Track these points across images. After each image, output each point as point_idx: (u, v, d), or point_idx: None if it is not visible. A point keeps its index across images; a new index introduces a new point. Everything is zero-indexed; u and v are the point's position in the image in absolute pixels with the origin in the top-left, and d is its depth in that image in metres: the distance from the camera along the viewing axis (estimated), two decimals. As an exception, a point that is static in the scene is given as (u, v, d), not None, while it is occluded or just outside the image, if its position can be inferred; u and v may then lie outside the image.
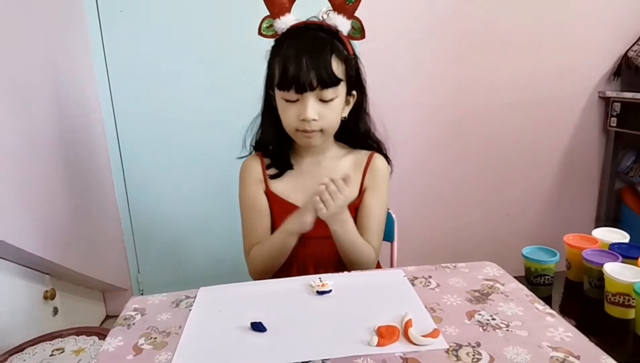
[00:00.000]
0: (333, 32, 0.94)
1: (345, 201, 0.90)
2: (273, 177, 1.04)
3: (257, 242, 1.04)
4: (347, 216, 0.96)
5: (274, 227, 1.05)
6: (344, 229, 0.95)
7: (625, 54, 1.98)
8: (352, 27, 0.93)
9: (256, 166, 1.05)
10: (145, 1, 1.75)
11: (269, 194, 1.04)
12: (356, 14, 0.95)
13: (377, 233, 1.05)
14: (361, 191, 1.05)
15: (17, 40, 1.36)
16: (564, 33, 1.98)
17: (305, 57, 0.89)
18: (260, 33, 0.96)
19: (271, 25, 0.95)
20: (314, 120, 0.92)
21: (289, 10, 0.93)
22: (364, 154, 1.07)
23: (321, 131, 0.95)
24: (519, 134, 2.07)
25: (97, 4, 1.73)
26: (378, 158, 1.07)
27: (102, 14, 1.74)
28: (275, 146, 1.04)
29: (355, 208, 1.04)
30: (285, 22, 0.94)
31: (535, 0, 1.93)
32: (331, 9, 0.94)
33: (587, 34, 1.99)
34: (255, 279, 1.06)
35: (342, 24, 0.92)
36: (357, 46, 0.99)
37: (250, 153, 1.09)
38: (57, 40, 1.58)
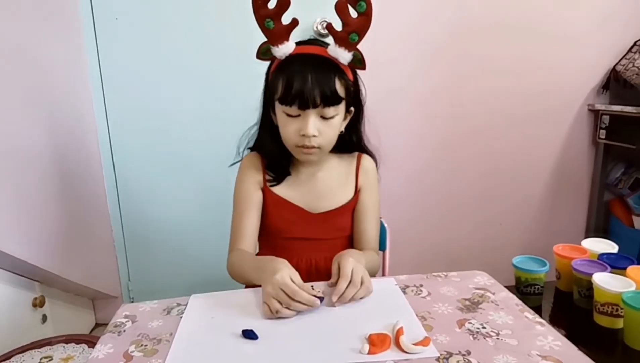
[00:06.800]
0: (335, 61, 0.94)
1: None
2: (271, 182, 1.05)
3: (240, 239, 1.03)
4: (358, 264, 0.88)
5: (268, 223, 1.06)
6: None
7: (614, 68, 2.02)
8: (354, 57, 0.93)
9: (257, 163, 1.06)
10: (141, 8, 1.75)
11: (266, 192, 1.05)
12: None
13: (375, 231, 1.09)
14: (356, 192, 1.07)
15: (11, 47, 1.36)
16: (554, 49, 2.01)
17: (311, 73, 0.90)
18: (258, 57, 0.96)
19: (269, 50, 0.94)
20: (314, 136, 0.93)
21: (287, 38, 0.92)
22: (352, 156, 1.10)
23: (319, 147, 0.96)
24: (511, 147, 2.09)
25: (93, 11, 1.73)
26: (366, 159, 1.10)
27: (97, 20, 1.74)
28: (275, 157, 1.04)
29: (351, 209, 1.07)
30: (283, 50, 0.93)
31: (525, 16, 1.96)
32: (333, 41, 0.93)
33: (576, 48, 2.02)
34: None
35: (343, 56, 0.92)
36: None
37: (243, 158, 1.10)
38: (51, 47, 1.58)
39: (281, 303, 0.77)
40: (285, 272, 0.80)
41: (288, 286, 0.77)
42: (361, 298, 0.82)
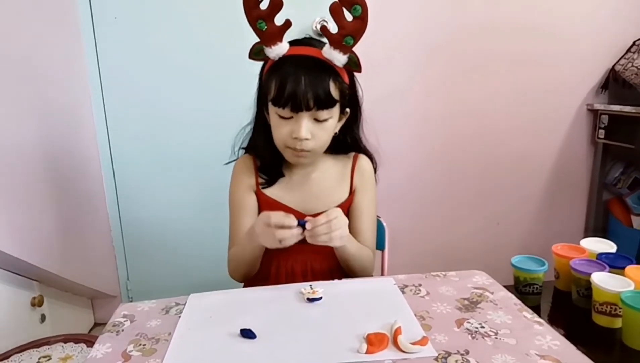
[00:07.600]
0: (330, 64, 0.93)
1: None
2: (264, 184, 1.04)
3: (237, 243, 1.03)
4: (344, 238, 0.93)
5: None
6: (343, 248, 0.95)
7: (613, 68, 2.02)
8: (349, 59, 0.92)
9: (249, 166, 1.06)
10: (140, 8, 1.75)
11: (259, 194, 1.04)
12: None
13: (371, 232, 1.07)
14: (351, 192, 1.06)
15: (9, 49, 1.36)
16: (553, 49, 2.01)
17: (305, 76, 0.88)
18: (251, 57, 0.95)
19: (262, 51, 0.93)
20: (306, 139, 0.92)
21: (280, 39, 0.91)
22: (348, 157, 1.08)
23: (310, 151, 0.95)
24: (510, 147, 2.10)
25: (91, 11, 1.73)
26: (363, 159, 1.08)
27: (96, 21, 1.74)
28: (268, 157, 1.04)
29: (346, 209, 1.05)
30: (276, 51, 0.91)
31: (524, 16, 1.96)
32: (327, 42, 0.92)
33: (575, 49, 2.02)
34: (234, 279, 1.06)
35: (338, 59, 0.91)
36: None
37: (238, 157, 1.10)
38: (50, 48, 1.58)
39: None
40: (264, 213, 0.89)
41: (268, 216, 0.87)
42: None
